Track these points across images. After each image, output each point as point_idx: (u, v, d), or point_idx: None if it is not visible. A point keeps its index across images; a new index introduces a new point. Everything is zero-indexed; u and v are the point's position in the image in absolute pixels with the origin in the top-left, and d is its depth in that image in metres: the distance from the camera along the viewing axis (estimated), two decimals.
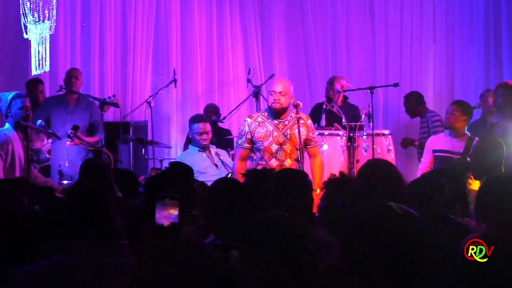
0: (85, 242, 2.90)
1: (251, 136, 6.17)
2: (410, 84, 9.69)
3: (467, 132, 6.74)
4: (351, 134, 7.33)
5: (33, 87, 7.85)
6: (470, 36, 9.68)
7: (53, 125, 7.12)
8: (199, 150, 7.03)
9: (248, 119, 6.26)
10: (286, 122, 6.16)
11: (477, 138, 6.62)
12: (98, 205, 2.98)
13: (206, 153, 7.06)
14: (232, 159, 7.44)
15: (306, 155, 6.33)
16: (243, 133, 6.22)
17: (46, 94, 8.43)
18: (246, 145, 6.19)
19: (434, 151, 6.78)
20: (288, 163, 6.06)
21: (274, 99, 6.11)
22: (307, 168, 6.30)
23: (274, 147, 6.14)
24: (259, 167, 6.08)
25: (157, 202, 3.00)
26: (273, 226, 2.44)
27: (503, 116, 6.89)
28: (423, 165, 6.86)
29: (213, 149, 7.14)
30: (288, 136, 6.13)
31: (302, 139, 6.11)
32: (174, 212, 2.98)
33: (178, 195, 3.10)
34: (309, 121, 6.29)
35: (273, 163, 6.10)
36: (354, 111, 8.07)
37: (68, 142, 6.92)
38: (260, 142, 6.15)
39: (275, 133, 6.14)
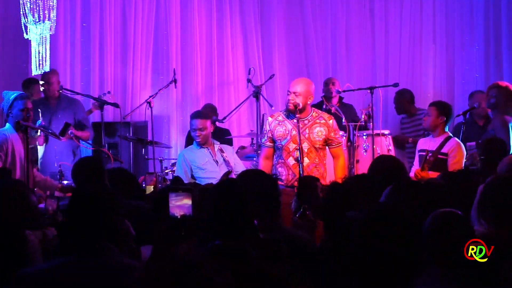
0: (90, 243, 2.90)
1: (272, 134, 6.21)
2: (410, 84, 9.69)
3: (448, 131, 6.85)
4: (353, 127, 7.38)
5: (29, 88, 7.84)
6: (470, 36, 9.68)
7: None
8: (201, 147, 7.03)
9: (270, 118, 6.34)
10: (306, 122, 6.19)
11: (455, 138, 6.76)
12: (102, 206, 2.98)
13: (208, 149, 7.04)
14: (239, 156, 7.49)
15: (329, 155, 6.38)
16: (265, 132, 6.32)
17: None
18: (268, 143, 6.27)
19: (419, 151, 6.93)
20: (305, 162, 6.07)
21: (288, 99, 6.16)
22: (329, 168, 6.35)
23: (292, 146, 6.16)
24: (278, 166, 6.14)
25: (170, 194, 3.00)
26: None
27: (495, 116, 6.96)
28: (414, 167, 6.96)
29: (217, 145, 7.12)
30: (306, 136, 6.14)
31: (321, 138, 6.15)
32: (188, 202, 2.98)
33: (190, 187, 3.09)
34: (331, 121, 6.28)
35: (290, 162, 6.13)
36: (351, 110, 8.13)
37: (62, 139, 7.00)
38: (279, 141, 6.19)
39: (294, 132, 6.15)
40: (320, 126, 6.20)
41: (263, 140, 6.34)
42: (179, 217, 2.94)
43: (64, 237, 3.05)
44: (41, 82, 7.48)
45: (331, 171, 6.39)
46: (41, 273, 2.84)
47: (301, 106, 6.16)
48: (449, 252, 2.86)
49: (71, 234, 2.96)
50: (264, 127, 6.38)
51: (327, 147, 6.29)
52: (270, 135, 6.25)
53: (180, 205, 2.98)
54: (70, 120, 7.29)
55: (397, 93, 8.68)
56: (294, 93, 6.14)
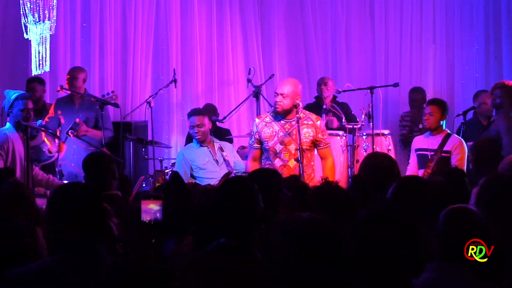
0: (78, 243, 2.90)
1: (259, 136, 6.19)
2: (410, 84, 9.70)
3: (446, 128, 6.86)
4: (354, 126, 7.37)
5: (31, 87, 7.86)
6: (470, 36, 9.68)
7: (62, 126, 7.22)
8: (200, 145, 7.01)
9: (257, 120, 6.30)
10: (293, 123, 6.14)
11: (455, 134, 6.76)
12: (91, 204, 2.98)
13: (208, 148, 7.02)
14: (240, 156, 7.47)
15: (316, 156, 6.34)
16: (252, 133, 6.29)
17: (46, 94, 8.44)
18: (256, 145, 6.23)
19: (416, 150, 6.91)
20: (292, 163, 6.04)
21: (275, 101, 6.13)
22: (318, 169, 6.32)
23: (278, 147, 6.13)
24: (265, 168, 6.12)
25: (141, 201, 3.05)
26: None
27: (499, 116, 6.92)
28: (411, 166, 6.96)
29: (217, 144, 7.10)
30: (293, 137, 6.12)
31: (309, 140, 6.11)
32: (155, 207, 3.02)
33: (161, 195, 3.13)
34: (319, 122, 6.23)
35: (277, 163, 6.11)
36: (345, 108, 8.15)
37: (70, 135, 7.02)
38: (266, 142, 6.17)
39: (281, 133, 6.13)
40: (308, 127, 6.14)
41: (250, 141, 6.30)
42: (146, 221, 2.98)
43: (50, 236, 3.07)
44: (68, 77, 7.50)
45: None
46: (28, 274, 2.83)
47: (301, 106, 6.17)
48: (462, 248, 2.86)
49: (56, 233, 2.96)
50: (252, 128, 6.34)
51: (315, 148, 6.26)
52: (257, 136, 6.21)
53: (148, 209, 3.02)
54: (91, 120, 7.30)
55: (416, 90, 8.68)
56: (281, 94, 6.11)
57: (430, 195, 3.58)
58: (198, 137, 6.97)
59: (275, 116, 6.21)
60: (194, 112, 7.10)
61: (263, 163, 6.20)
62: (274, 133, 6.16)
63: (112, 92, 7.91)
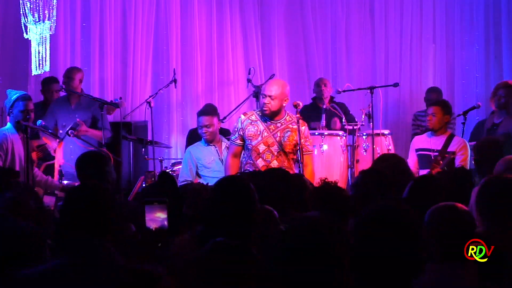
0: (83, 244, 2.90)
1: (243, 133, 6.12)
2: (410, 84, 9.71)
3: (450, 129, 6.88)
4: (354, 127, 7.37)
5: (47, 87, 7.84)
6: (470, 36, 9.69)
7: (59, 126, 7.20)
8: (208, 144, 7.03)
9: (242, 116, 6.20)
10: (279, 124, 6.07)
11: (458, 136, 6.77)
12: (98, 206, 2.98)
13: (216, 147, 7.03)
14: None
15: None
16: (236, 129, 6.17)
17: None
18: (238, 141, 6.13)
19: (416, 150, 6.90)
20: (274, 164, 5.95)
21: (264, 103, 6.04)
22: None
23: (262, 147, 6.06)
24: (247, 166, 6.05)
25: (145, 207, 3.05)
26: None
27: (505, 116, 6.91)
28: (409, 166, 6.94)
29: (224, 143, 7.11)
30: (277, 138, 6.05)
31: (292, 143, 6.02)
32: (162, 215, 3.02)
33: (165, 199, 3.12)
34: (304, 128, 6.08)
35: (260, 163, 6.02)
36: (343, 108, 8.15)
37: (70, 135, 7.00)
38: (249, 141, 6.09)
39: (265, 134, 6.05)
40: (292, 131, 6.04)
41: (233, 137, 6.18)
42: (153, 229, 2.99)
43: (58, 237, 3.07)
44: (64, 78, 7.50)
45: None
46: (29, 276, 2.82)
47: (301, 105, 6.14)
48: (450, 247, 2.87)
49: (64, 235, 2.97)
50: (235, 124, 6.22)
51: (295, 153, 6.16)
52: (241, 133, 6.11)
53: (154, 218, 3.02)
54: (88, 120, 7.27)
55: (432, 90, 8.66)
56: (269, 96, 6.02)
57: (442, 195, 3.60)
58: (206, 137, 6.98)
59: (262, 116, 6.14)
60: (202, 112, 7.08)
61: (244, 162, 6.12)
62: (259, 133, 6.07)
63: (120, 98, 7.92)
